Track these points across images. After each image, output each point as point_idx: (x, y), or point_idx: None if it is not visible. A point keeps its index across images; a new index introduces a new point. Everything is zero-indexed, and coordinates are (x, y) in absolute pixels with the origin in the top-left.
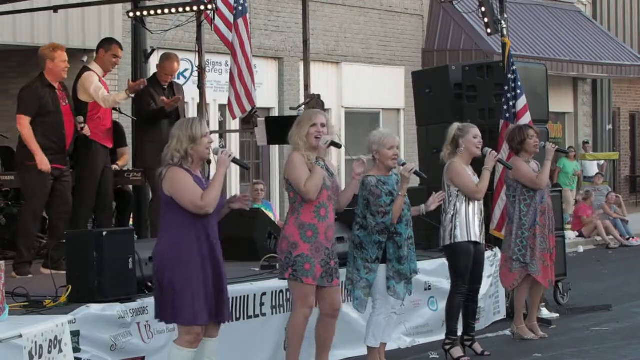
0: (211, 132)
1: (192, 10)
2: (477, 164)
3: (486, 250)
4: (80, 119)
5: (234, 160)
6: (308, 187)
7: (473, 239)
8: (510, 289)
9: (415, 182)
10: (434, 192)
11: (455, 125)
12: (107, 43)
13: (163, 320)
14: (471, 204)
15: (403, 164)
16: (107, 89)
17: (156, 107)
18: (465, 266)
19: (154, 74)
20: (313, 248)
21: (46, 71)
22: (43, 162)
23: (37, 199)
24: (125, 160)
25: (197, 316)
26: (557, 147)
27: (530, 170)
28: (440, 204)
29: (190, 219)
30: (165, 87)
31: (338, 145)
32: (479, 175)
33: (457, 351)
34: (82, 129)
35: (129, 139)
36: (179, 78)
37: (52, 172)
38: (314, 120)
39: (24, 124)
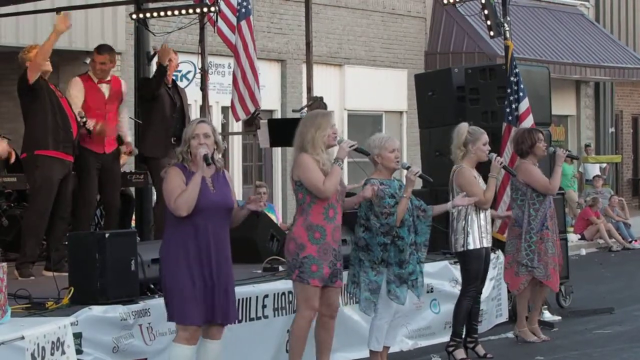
0: None
1: (195, 12)
2: (483, 169)
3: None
4: (82, 112)
5: (205, 159)
6: (327, 186)
7: (485, 245)
8: (517, 293)
9: (418, 184)
10: (460, 194)
11: (465, 127)
12: (96, 52)
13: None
14: (481, 211)
15: (407, 167)
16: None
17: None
18: (477, 271)
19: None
20: (321, 250)
21: None
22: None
23: (44, 195)
24: (125, 159)
25: (186, 315)
26: (568, 152)
27: (542, 175)
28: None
29: (186, 219)
30: (170, 86)
31: (366, 153)
32: (484, 178)
33: (460, 353)
34: (84, 123)
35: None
36: (181, 80)
37: (61, 169)
38: (332, 122)
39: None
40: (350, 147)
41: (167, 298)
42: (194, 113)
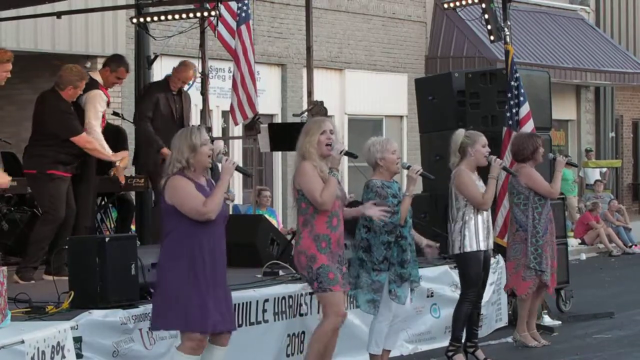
0: (214, 139)
1: (195, 17)
2: (482, 171)
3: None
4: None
5: (237, 168)
6: (324, 198)
7: (482, 248)
8: (525, 297)
9: (418, 188)
10: (437, 244)
11: (462, 132)
12: (115, 64)
13: (157, 327)
14: (479, 214)
15: (408, 167)
16: (107, 94)
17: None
18: (476, 275)
19: (166, 78)
20: (329, 257)
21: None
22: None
23: (58, 208)
24: (126, 162)
25: (191, 323)
26: (568, 158)
27: (543, 179)
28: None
29: (192, 228)
30: (175, 92)
31: (354, 155)
32: (485, 181)
33: (459, 358)
34: None
35: (132, 145)
36: None
37: (66, 182)
38: (323, 128)
39: (83, 139)
40: (340, 153)
41: (168, 306)
42: (195, 117)
